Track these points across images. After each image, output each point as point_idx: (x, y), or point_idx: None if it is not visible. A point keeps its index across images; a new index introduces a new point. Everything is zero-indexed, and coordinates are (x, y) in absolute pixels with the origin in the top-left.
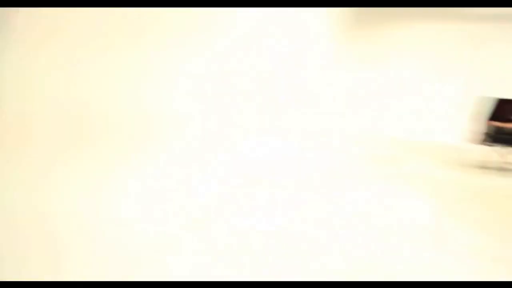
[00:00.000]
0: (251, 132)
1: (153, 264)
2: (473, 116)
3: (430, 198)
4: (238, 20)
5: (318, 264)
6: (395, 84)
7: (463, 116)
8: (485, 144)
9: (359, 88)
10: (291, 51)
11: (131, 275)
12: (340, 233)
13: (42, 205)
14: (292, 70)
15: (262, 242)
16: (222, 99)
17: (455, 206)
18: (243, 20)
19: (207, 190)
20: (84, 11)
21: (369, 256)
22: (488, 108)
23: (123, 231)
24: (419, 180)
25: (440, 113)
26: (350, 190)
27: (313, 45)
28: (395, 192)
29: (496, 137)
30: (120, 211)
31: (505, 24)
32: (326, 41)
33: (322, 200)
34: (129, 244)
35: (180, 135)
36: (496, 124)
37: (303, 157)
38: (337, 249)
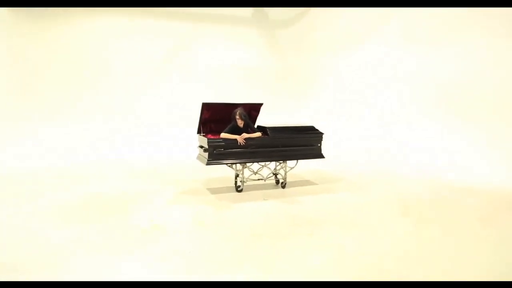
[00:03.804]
0: None
1: None
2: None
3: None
4: None
5: None
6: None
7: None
8: (210, 163)
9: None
10: None
11: None
12: None
13: None
14: None
15: None
16: None
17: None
18: None
19: None
20: None
21: None
22: (199, 117)
23: None
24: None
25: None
26: None
27: None
28: None
29: (216, 154)
30: None
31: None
32: None
33: None
34: None
35: None
36: (207, 136)
37: None
38: None
